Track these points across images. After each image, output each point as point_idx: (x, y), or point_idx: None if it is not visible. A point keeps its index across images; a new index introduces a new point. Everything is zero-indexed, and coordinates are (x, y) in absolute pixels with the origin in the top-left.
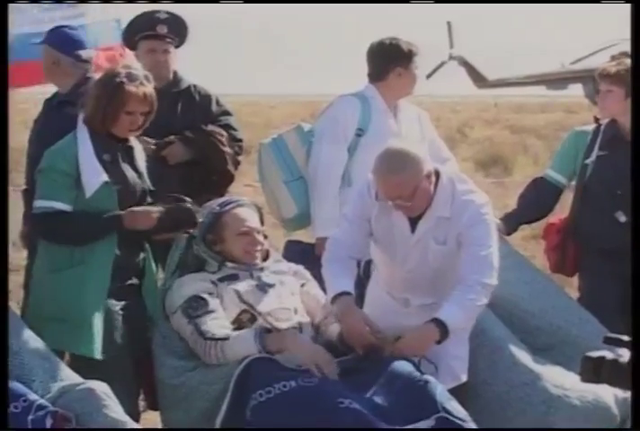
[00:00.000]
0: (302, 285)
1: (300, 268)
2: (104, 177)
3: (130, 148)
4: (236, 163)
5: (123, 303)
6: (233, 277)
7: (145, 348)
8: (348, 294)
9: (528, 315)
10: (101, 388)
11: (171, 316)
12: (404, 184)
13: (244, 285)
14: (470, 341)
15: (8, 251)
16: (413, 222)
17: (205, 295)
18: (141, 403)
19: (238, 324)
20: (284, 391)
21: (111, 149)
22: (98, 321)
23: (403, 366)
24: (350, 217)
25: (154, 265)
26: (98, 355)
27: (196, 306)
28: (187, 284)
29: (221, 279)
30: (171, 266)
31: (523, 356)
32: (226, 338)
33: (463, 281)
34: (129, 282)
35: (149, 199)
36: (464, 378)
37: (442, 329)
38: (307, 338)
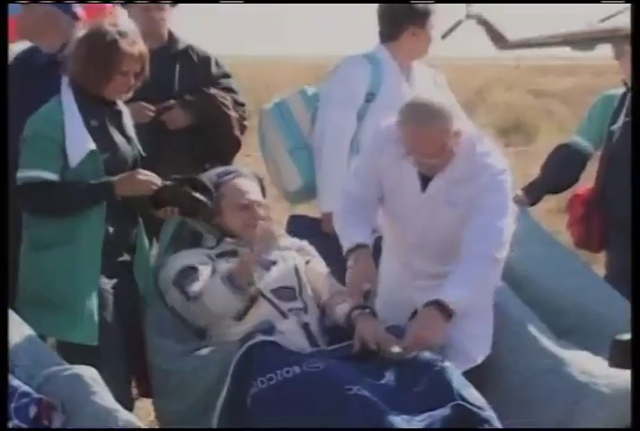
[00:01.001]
0: (307, 262)
1: (305, 243)
2: (91, 144)
3: (119, 113)
4: (243, 129)
5: (114, 281)
6: (232, 253)
7: (136, 331)
8: (364, 246)
9: (552, 295)
10: (89, 373)
11: (165, 294)
12: (434, 139)
13: None
14: None
15: (8, 251)
16: (425, 179)
17: (197, 265)
18: (133, 390)
19: None
20: (287, 378)
21: (99, 114)
22: (92, 304)
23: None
24: (361, 172)
25: (146, 240)
26: (95, 341)
27: (186, 275)
28: (181, 257)
29: (219, 255)
30: (164, 241)
31: (547, 340)
32: (201, 292)
33: (470, 252)
34: (120, 258)
35: (140, 168)
36: (479, 359)
37: (444, 311)
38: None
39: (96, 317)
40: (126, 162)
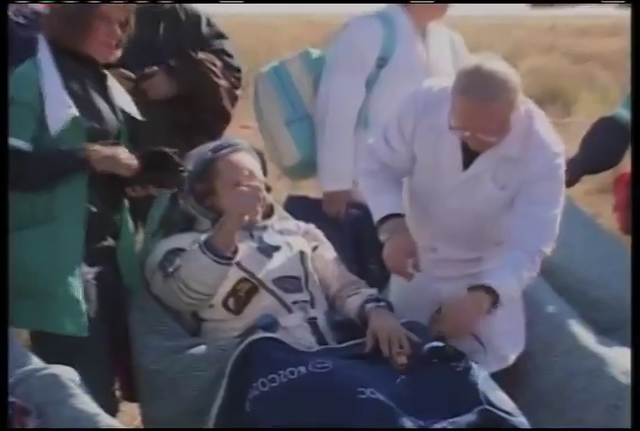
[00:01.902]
0: (314, 249)
1: (311, 227)
2: (73, 110)
3: (103, 76)
4: (234, 99)
5: (96, 269)
6: None
7: (120, 326)
8: (398, 215)
9: (590, 286)
10: (67, 374)
11: (150, 282)
12: (499, 116)
13: (242, 248)
14: None
15: (8, 252)
16: (468, 156)
17: (187, 247)
18: (116, 393)
19: (235, 297)
20: (292, 379)
21: (81, 76)
22: (76, 290)
23: (437, 347)
24: (391, 138)
25: (132, 224)
26: (84, 332)
27: (172, 258)
28: (170, 241)
29: None
30: (152, 225)
31: (585, 337)
32: (179, 264)
33: (518, 242)
34: (104, 243)
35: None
36: (510, 359)
37: (493, 298)
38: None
39: (84, 305)
40: (109, 134)
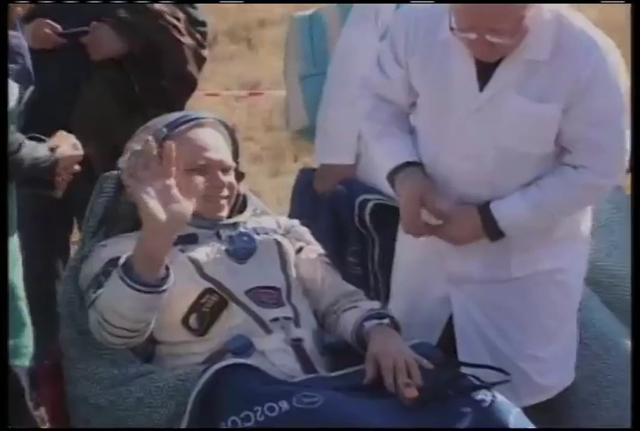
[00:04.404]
0: (298, 251)
1: (295, 223)
2: None
3: None
4: (200, 61)
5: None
6: (189, 239)
7: (50, 348)
8: (414, 164)
9: None
10: None
11: (85, 296)
12: (505, 10)
13: (206, 252)
14: None
15: (8, 250)
16: (482, 75)
17: None
18: None
19: (199, 313)
20: (271, 418)
21: None
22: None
23: (455, 376)
24: (385, 65)
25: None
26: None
27: (108, 273)
28: (111, 246)
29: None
30: (91, 221)
31: None
32: (96, 299)
33: (562, 169)
34: None
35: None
36: (553, 390)
37: (487, 219)
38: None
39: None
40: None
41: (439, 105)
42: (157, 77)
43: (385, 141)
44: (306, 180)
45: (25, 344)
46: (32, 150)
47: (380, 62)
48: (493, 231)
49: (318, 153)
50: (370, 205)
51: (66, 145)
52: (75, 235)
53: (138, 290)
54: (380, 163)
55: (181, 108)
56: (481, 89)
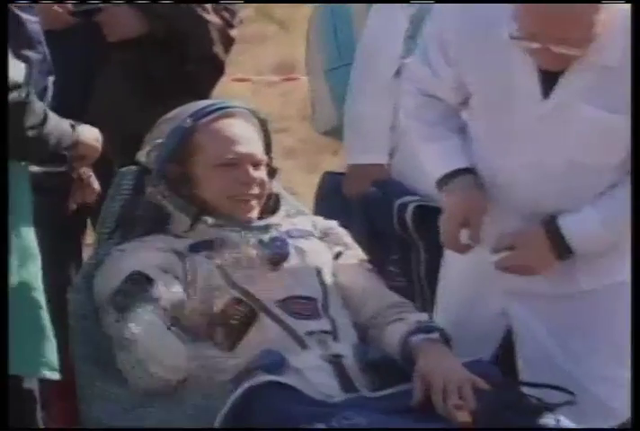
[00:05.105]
0: (337, 256)
1: (333, 224)
2: None
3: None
4: (228, 42)
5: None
6: (215, 243)
7: (63, 365)
8: (467, 171)
9: None
10: None
11: (100, 308)
12: (578, 18)
13: (234, 257)
14: None
15: (8, 250)
16: (546, 78)
17: (153, 273)
18: None
19: (226, 326)
20: None
21: None
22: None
23: (515, 397)
24: (433, 61)
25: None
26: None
27: (131, 291)
28: (130, 253)
29: (195, 247)
30: (108, 222)
31: None
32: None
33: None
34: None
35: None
36: (625, 414)
37: (555, 237)
38: None
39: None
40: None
41: (497, 109)
42: (180, 61)
43: (433, 144)
44: (331, 184)
45: (45, 352)
46: (58, 123)
47: (428, 59)
48: (562, 249)
49: (347, 153)
50: (411, 208)
51: (88, 132)
52: (88, 238)
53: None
54: (428, 168)
55: (206, 96)
56: (544, 95)
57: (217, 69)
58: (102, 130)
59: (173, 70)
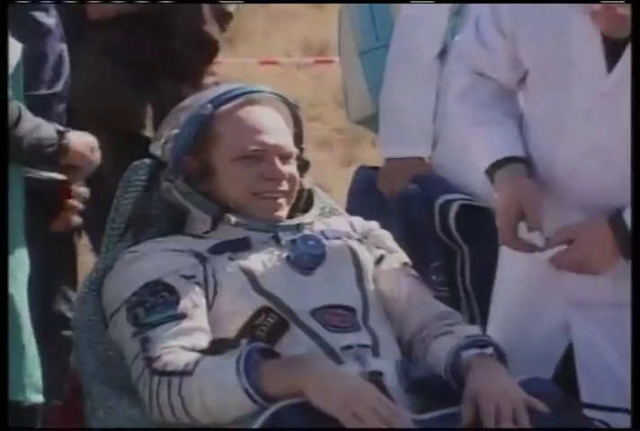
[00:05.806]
0: (378, 261)
1: (374, 225)
2: None
3: None
4: (223, 18)
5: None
6: (240, 245)
7: (60, 383)
8: (518, 160)
9: None
10: None
11: (109, 320)
12: None
13: (262, 260)
14: None
15: (8, 251)
16: (610, 52)
17: (173, 281)
18: None
19: (252, 336)
20: None
21: None
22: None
23: (577, 421)
24: (486, 35)
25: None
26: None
27: (151, 303)
28: (146, 258)
29: (216, 248)
30: (118, 222)
31: None
32: (188, 372)
33: None
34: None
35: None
36: None
37: (621, 233)
38: (352, 373)
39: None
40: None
41: (555, 86)
42: (168, 39)
43: (482, 128)
44: (365, 180)
45: (29, 373)
46: (35, 127)
47: (480, 34)
48: (628, 246)
49: (383, 146)
50: (455, 207)
51: (80, 140)
52: (84, 239)
53: (256, 401)
54: (475, 157)
55: (195, 78)
56: (609, 69)
57: (208, 48)
58: (81, 116)
59: (160, 50)
